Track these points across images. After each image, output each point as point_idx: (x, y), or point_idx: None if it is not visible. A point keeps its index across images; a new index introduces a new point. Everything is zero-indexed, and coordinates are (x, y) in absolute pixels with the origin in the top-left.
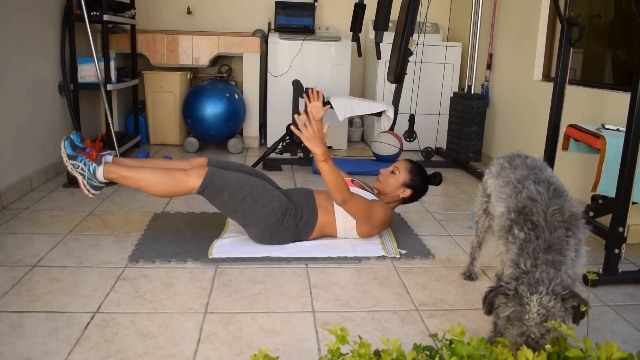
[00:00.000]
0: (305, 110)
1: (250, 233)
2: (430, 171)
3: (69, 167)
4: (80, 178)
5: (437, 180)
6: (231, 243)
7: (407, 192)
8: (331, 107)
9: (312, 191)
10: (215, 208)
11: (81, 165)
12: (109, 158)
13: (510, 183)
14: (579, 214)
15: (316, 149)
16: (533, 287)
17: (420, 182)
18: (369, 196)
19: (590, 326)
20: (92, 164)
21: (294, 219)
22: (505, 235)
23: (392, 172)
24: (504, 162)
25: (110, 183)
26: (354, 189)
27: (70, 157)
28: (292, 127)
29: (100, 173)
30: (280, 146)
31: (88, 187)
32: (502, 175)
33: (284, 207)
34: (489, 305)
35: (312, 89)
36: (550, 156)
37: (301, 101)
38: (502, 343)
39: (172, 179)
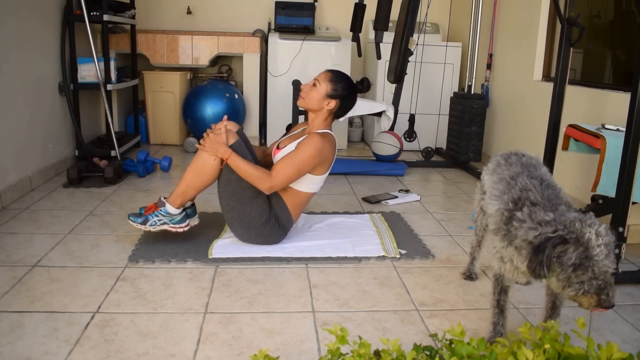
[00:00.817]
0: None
1: (236, 231)
2: (431, 171)
3: (153, 230)
4: (167, 227)
5: (364, 85)
6: (231, 243)
7: (332, 103)
8: None
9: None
10: (215, 208)
11: (155, 219)
12: (163, 200)
13: (503, 180)
14: (573, 203)
15: (217, 154)
16: (585, 222)
17: (345, 88)
18: (292, 146)
19: (591, 326)
20: (160, 209)
21: (276, 221)
22: (504, 227)
23: (313, 84)
24: (500, 159)
25: (189, 207)
26: (279, 154)
27: (144, 222)
28: (196, 145)
29: (170, 207)
30: None
31: (176, 225)
32: (497, 172)
33: (267, 211)
34: (547, 260)
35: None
36: (550, 156)
37: None
38: (501, 343)
39: (198, 162)
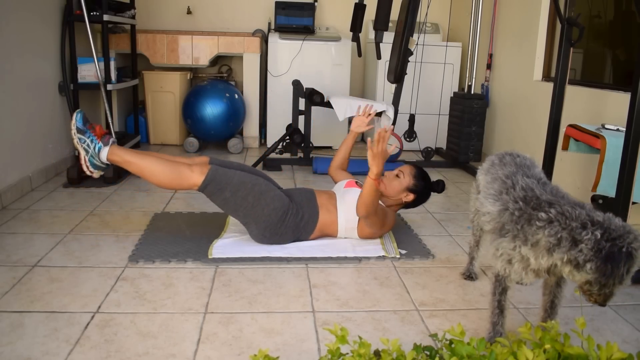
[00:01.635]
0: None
1: (251, 232)
2: (431, 171)
3: (75, 140)
4: (83, 153)
5: (439, 187)
6: (231, 243)
7: (410, 197)
8: (330, 106)
9: (313, 191)
10: (215, 208)
11: (88, 141)
12: (114, 142)
13: (498, 179)
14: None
15: (375, 167)
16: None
17: (424, 187)
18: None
19: (590, 326)
20: (98, 143)
21: (294, 219)
22: (516, 227)
23: (397, 175)
24: (495, 159)
25: (109, 166)
26: (358, 190)
27: (79, 131)
28: (368, 139)
29: (104, 153)
30: (280, 146)
31: (89, 164)
32: (490, 172)
33: (286, 206)
34: (621, 274)
35: (367, 105)
36: (550, 156)
37: (301, 101)
38: (501, 343)
39: (176, 172)
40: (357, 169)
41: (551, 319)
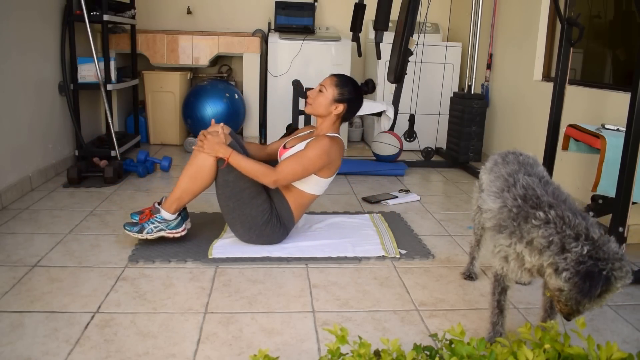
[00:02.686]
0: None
1: (237, 231)
2: (431, 171)
3: (150, 237)
4: (164, 234)
5: (369, 87)
6: (231, 243)
7: (340, 107)
8: None
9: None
10: (215, 208)
11: (151, 226)
12: (157, 205)
13: (500, 177)
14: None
15: (217, 154)
16: (625, 274)
17: (351, 92)
18: (301, 145)
19: (590, 326)
20: (155, 217)
21: (278, 220)
22: (513, 224)
23: (320, 90)
24: (498, 157)
25: (182, 211)
26: (286, 153)
27: (139, 232)
28: (193, 147)
29: (166, 214)
30: None
31: (174, 231)
32: (494, 171)
33: (269, 210)
34: (595, 295)
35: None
36: (550, 156)
37: (301, 101)
38: (501, 343)
39: (194, 166)
40: (357, 169)
41: (551, 319)
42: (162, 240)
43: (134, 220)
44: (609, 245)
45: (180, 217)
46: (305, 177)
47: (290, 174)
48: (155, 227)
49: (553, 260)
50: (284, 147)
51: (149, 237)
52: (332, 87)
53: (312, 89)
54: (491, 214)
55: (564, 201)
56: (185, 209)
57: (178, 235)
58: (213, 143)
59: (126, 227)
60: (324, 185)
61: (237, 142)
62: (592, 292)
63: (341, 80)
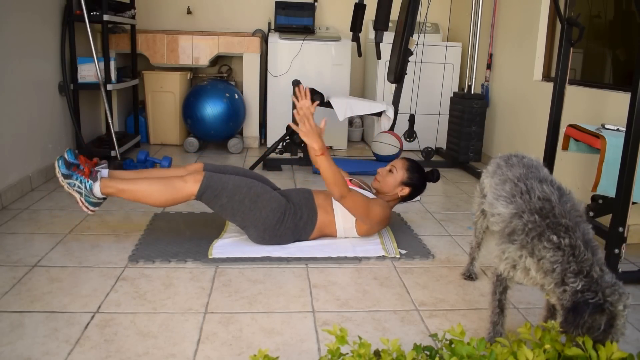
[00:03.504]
0: (294, 108)
1: (250, 235)
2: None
3: (65, 187)
4: (77, 196)
5: (434, 177)
6: (231, 243)
7: (406, 190)
8: (330, 106)
9: (311, 191)
10: None
11: (77, 183)
12: (105, 172)
13: (508, 180)
14: (583, 207)
15: (313, 143)
16: (621, 295)
17: (418, 179)
18: (368, 194)
19: None
20: (87, 181)
21: (293, 219)
22: (525, 238)
23: (390, 170)
24: (500, 161)
25: (106, 198)
26: (352, 188)
27: (65, 177)
28: (290, 123)
29: (97, 189)
30: (280, 146)
31: (86, 204)
32: (497, 174)
33: (283, 207)
34: (583, 324)
35: (299, 86)
36: (550, 156)
37: None
38: (501, 343)
39: (170, 187)
40: (357, 169)
41: (554, 319)
42: (162, 239)
43: (69, 161)
44: (603, 278)
45: (104, 199)
46: (354, 215)
47: (356, 201)
48: (78, 188)
49: (553, 289)
50: (350, 181)
51: (65, 188)
52: (403, 170)
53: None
54: (500, 218)
55: (578, 224)
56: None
57: (87, 210)
58: (315, 132)
59: (59, 162)
60: (350, 232)
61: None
62: (580, 322)
63: (412, 166)
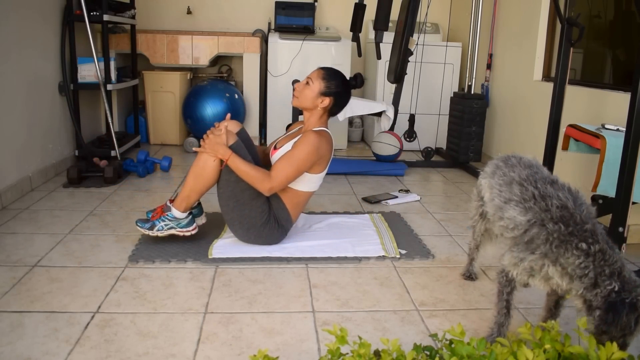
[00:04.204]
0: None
1: (236, 232)
2: (431, 171)
3: (161, 234)
4: (174, 231)
5: (357, 81)
6: (231, 243)
7: (327, 101)
8: None
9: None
10: (215, 208)
11: (162, 224)
12: (169, 202)
13: (514, 182)
14: (594, 208)
15: (217, 154)
16: None
17: (339, 85)
18: (289, 146)
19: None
20: (166, 214)
21: (276, 221)
22: (549, 248)
23: (307, 83)
24: (498, 162)
25: (195, 207)
26: (277, 154)
27: (150, 228)
28: (194, 148)
29: (176, 212)
30: None
31: (184, 230)
32: (498, 175)
33: (267, 212)
34: (621, 323)
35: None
36: (550, 156)
37: None
38: (501, 343)
39: (198, 164)
40: (357, 169)
41: (553, 319)
42: (161, 240)
43: (146, 217)
44: (632, 277)
45: (191, 216)
46: (294, 179)
47: (284, 178)
48: (166, 225)
49: (583, 294)
50: (275, 147)
51: (160, 234)
52: (318, 80)
53: (300, 81)
54: (513, 223)
55: (596, 227)
56: (199, 204)
57: (189, 233)
58: (213, 143)
59: (138, 224)
60: (318, 181)
61: (246, 142)
62: (620, 321)
63: (328, 73)
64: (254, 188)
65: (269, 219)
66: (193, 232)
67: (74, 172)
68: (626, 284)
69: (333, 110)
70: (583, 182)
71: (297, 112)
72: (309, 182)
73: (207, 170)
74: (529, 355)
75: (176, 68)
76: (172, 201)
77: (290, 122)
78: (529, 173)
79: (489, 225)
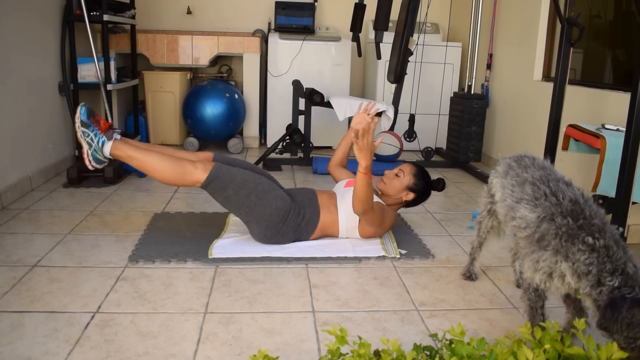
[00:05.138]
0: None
1: (252, 231)
2: (431, 171)
3: (79, 134)
4: (86, 147)
5: (440, 186)
6: (231, 243)
7: (410, 196)
8: (330, 106)
9: (314, 191)
10: (215, 208)
11: (91, 135)
12: (118, 136)
13: (527, 182)
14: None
15: (363, 160)
16: None
17: (424, 186)
18: (375, 199)
19: (591, 326)
20: (102, 137)
21: (296, 219)
22: (560, 243)
23: (397, 174)
24: (511, 161)
25: (112, 160)
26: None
27: (82, 124)
28: (352, 135)
29: (107, 148)
30: (280, 146)
31: (91, 158)
32: (510, 175)
33: (288, 206)
34: (622, 319)
35: (369, 104)
36: (550, 156)
37: (301, 101)
38: (501, 343)
39: (179, 168)
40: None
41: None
42: (162, 239)
43: (92, 112)
44: (637, 274)
45: (109, 160)
46: (368, 225)
47: (374, 216)
48: (90, 140)
49: (589, 292)
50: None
51: (78, 134)
52: (410, 175)
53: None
54: (525, 222)
55: (605, 224)
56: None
57: (87, 164)
58: (369, 150)
59: (82, 109)
60: (353, 233)
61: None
62: (616, 318)
63: (420, 172)
64: (257, 190)
65: (286, 216)
66: (90, 167)
67: (74, 172)
68: (629, 280)
69: (409, 204)
70: (583, 182)
71: (297, 112)
72: (347, 225)
73: (185, 180)
74: (529, 355)
75: (176, 68)
76: (116, 139)
77: (290, 122)
78: (542, 174)
79: (496, 223)
